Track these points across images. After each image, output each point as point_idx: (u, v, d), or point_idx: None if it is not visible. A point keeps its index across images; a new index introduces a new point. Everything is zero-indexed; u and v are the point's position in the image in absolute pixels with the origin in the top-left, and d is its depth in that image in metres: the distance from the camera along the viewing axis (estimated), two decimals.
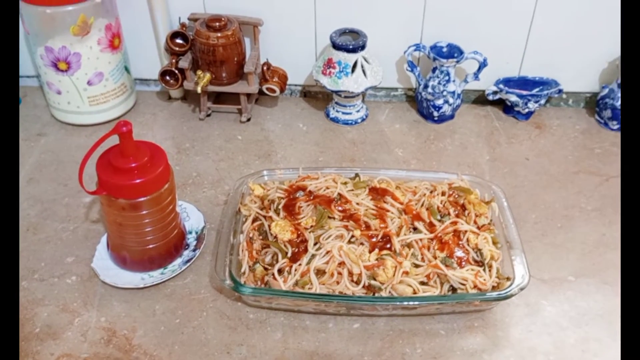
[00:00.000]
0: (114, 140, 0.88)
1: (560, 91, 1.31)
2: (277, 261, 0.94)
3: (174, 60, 1.31)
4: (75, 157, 1.24)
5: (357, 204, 1.01)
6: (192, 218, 1.08)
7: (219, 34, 1.24)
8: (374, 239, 0.96)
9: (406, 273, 0.91)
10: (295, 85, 1.41)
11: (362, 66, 1.26)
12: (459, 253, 0.96)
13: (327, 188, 1.03)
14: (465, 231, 0.98)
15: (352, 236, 0.96)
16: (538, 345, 0.90)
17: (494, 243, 0.98)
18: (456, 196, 1.05)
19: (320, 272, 0.92)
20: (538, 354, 0.89)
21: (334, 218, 0.99)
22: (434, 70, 1.29)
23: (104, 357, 0.88)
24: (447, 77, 1.28)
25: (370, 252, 0.94)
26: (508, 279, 0.93)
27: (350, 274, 0.92)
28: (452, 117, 1.35)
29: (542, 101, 1.32)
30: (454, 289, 0.92)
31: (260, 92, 1.35)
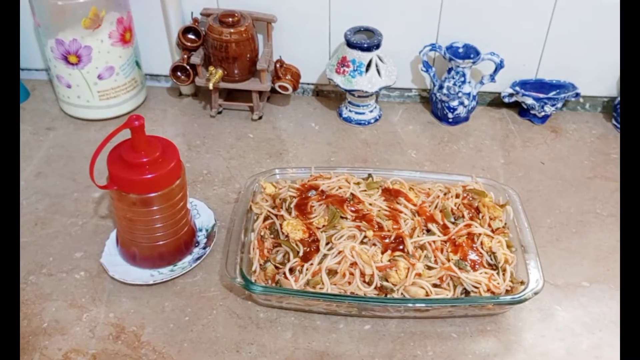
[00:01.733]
0: (125, 135, 0.87)
1: (577, 95, 1.30)
2: (288, 260, 0.93)
3: (185, 56, 1.30)
4: (85, 152, 1.23)
5: (370, 204, 1.00)
6: (202, 215, 1.07)
7: (231, 30, 1.23)
8: (387, 240, 0.95)
9: (419, 275, 0.91)
10: (308, 83, 1.40)
11: (376, 65, 1.25)
12: (472, 256, 0.95)
13: (340, 188, 1.02)
14: (479, 234, 0.97)
15: (365, 237, 0.95)
16: (551, 351, 0.89)
17: (508, 247, 0.97)
18: (470, 199, 1.04)
19: (332, 272, 0.91)
20: (550, 359, 0.88)
21: (346, 218, 0.98)
22: (449, 71, 1.28)
23: (112, 353, 0.87)
24: (462, 78, 1.27)
25: (382, 253, 0.93)
26: (522, 283, 0.92)
27: (362, 274, 0.91)
28: (466, 119, 1.34)
29: (559, 105, 1.30)
30: (467, 292, 0.91)
31: (273, 90, 1.34)
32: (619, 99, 1.31)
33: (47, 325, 0.90)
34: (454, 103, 1.29)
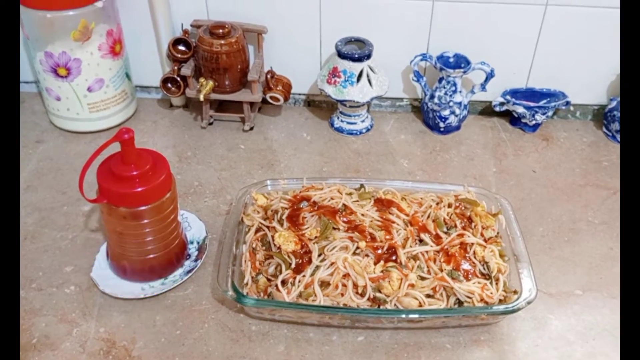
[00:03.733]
0: (115, 147, 0.87)
1: (567, 103, 1.31)
2: (280, 272, 0.93)
3: (176, 68, 1.30)
4: (74, 165, 1.22)
5: (362, 215, 0.99)
6: (193, 228, 1.07)
7: (222, 41, 1.23)
8: (380, 251, 0.95)
9: (412, 285, 0.90)
10: (299, 94, 1.40)
11: (367, 75, 1.25)
12: (465, 266, 0.95)
13: (332, 199, 1.02)
14: (472, 244, 0.97)
15: (357, 247, 0.95)
16: None
17: (501, 256, 0.97)
18: (463, 208, 1.04)
19: (324, 284, 0.91)
20: None
21: (338, 229, 0.97)
22: (440, 80, 1.28)
23: None
24: (453, 88, 1.27)
25: (375, 264, 0.93)
26: (515, 292, 0.91)
27: (355, 286, 0.90)
28: (458, 128, 1.34)
29: (550, 113, 1.31)
30: (460, 302, 0.91)
31: (264, 101, 1.33)
32: (609, 107, 1.32)
33: (37, 341, 0.89)
34: (446, 112, 1.29)
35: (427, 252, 0.95)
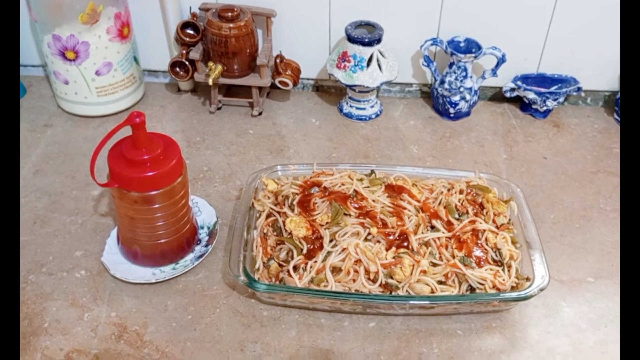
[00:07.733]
0: (124, 132, 0.86)
1: (579, 89, 1.30)
2: (292, 258, 0.93)
3: (184, 51, 1.29)
4: (83, 149, 1.21)
5: (374, 201, 0.99)
6: (203, 213, 1.06)
7: (231, 25, 1.22)
8: (391, 237, 0.94)
9: (424, 272, 0.90)
10: (308, 79, 1.39)
11: (377, 60, 1.24)
12: (477, 252, 0.94)
13: (343, 184, 1.01)
14: (484, 230, 0.96)
15: (369, 234, 0.94)
16: (556, 347, 0.89)
17: (513, 243, 0.96)
18: (474, 194, 1.03)
19: (336, 270, 0.91)
20: (556, 355, 0.88)
21: (349, 215, 0.97)
22: (450, 65, 1.27)
23: (114, 352, 0.86)
24: (464, 73, 1.26)
25: (387, 250, 0.93)
26: (527, 279, 0.91)
27: (367, 272, 0.90)
28: (468, 114, 1.33)
29: (561, 99, 1.30)
30: (472, 289, 0.91)
31: (272, 86, 1.32)
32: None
33: (48, 325, 0.89)
34: (456, 98, 1.28)
35: (439, 238, 0.95)
